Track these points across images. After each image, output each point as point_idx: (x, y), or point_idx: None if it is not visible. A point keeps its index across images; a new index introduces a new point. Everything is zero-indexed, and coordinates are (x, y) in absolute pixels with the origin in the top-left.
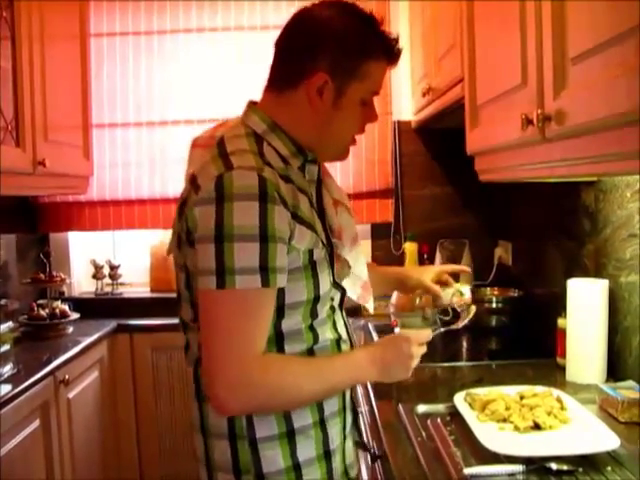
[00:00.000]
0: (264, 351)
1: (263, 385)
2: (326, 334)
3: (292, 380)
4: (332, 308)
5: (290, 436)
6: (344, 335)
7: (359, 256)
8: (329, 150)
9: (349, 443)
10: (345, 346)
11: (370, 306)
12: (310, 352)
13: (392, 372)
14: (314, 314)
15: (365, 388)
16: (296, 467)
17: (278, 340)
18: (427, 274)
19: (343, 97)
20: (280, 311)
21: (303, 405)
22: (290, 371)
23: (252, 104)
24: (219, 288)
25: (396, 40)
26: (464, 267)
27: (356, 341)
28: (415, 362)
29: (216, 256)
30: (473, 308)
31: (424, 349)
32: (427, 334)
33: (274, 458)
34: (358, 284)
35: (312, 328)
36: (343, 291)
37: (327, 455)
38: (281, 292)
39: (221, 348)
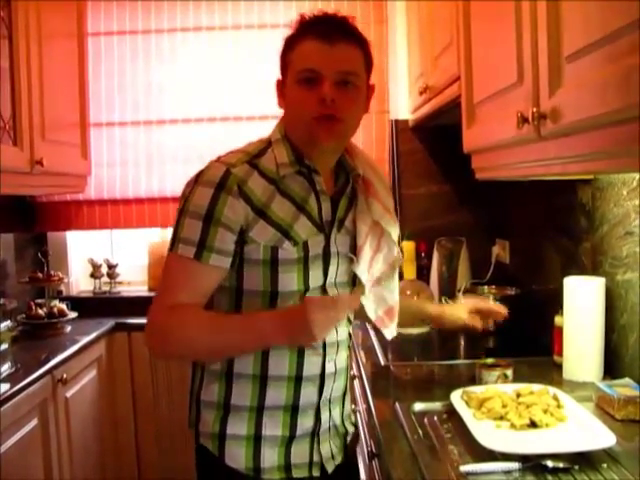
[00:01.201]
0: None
1: (166, 331)
2: None
3: (189, 333)
4: None
5: (225, 409)
6: (317, 344)
7: (392, 281)
8: (301, 138)
9: (301, 445)
10: (311, 351)
11: (388, 333)
12: None
13: (295, 336)
14: (272, 307)
15: (362, 386)
16: (221, 436)
17: None
18: (461, 311)
19: (285, 87)
20: (239, 293)
21: (207, 354)
22: (191, 322)
23: (282, 116)
24: (169, 250)
25: (315, 16)
26: (499, 308)
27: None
28: (316, 324)
29: (176, 225)
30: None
31: (330, 315)
32: (331, 298)
33: (208, 420)
34: (382, 307)
35: None
36: None
37: (257, 439)
38: (240, 277)
39: (154, 298)
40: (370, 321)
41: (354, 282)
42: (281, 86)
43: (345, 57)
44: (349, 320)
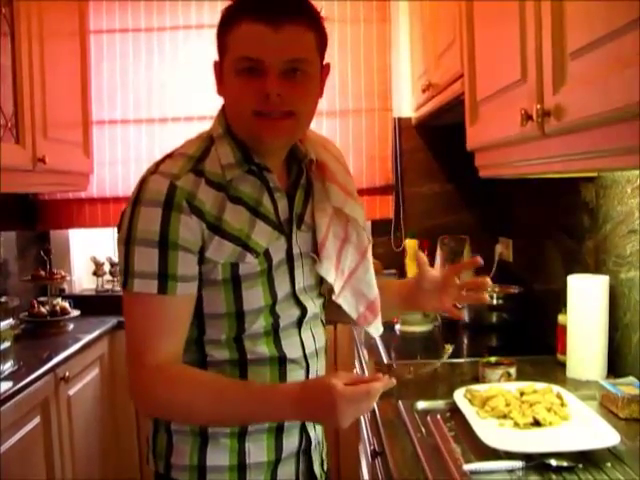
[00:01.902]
0: (166, 360)
1: (152, 398)
2: (259, 349)
3: (183, 399)
4: (276, 324)
5: (203, 437)
6: (294, 354)
7: (367, 272)
8: (242, 132)
9: (287, 467)
10: (293, 366)
11: (374, 330)
12: (238, 364)
13: (318, 420)
14: (240, 327)
15: None
16: (201, 469)
17: (199, 347)
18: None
19: (222, 72)
20: (200, 319)
21: (205, 423)
22: (183, 389)
23: (223, 106)
24: (123, 287)
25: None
26: (465, 263)
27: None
28: (346, 415)
29: (124, 257)
30: (449, 348)
31: (361, 407)
32: (366, 392)
33: (184, 451)
34: (362, 303)
35: (238, 340)
36: (304, 309)
37: (241, 468)
38: (199, 300)
39: (128, 350)
40: (349, 322)
41: (322, 282)
42: (218, 70)
43: (293, 43)
44: (323, 324)
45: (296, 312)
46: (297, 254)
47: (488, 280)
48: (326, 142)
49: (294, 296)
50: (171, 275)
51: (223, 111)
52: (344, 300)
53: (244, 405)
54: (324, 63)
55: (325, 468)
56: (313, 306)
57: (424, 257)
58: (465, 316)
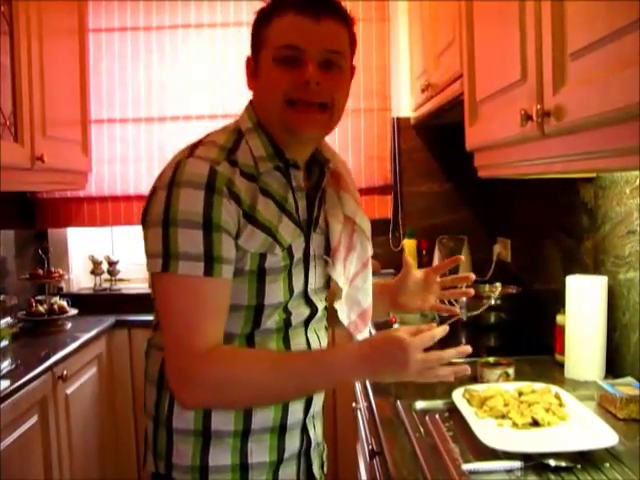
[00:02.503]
0: (215, 343)
1: (208, 381)
2: (268, 346)
3: (244, 375)
4: (287, 322)
5: (205, 436)
6: None
7: (365, 282)
8: (274, 125)
9: (289, 467)
10: None
11: (362, 337)
12: None
13: (384, 377)
14: (256, 323)
15: (363, 384)
16: (203, 469)
17: None
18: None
19: (258, 66)
20: None
21: (276, 400)
22: (242, 365)
23: (251, 101)
24: (164, 270)
25: None
26: (445, 262)
27: None
28: (415, 368)
29: (162, 239)
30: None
31: (428, 357)
32: (431, 337)
33: (185, 451)
34: (355, 310)
35: (250, 336)
36: (314, 309)
37: (243, 468)
38: None
39: (169, 338)
40: (338, 326)
41: (328, 286)
42: (252, 65)
43: (332, 34)
44: (326, 327)
45: (306, 311)
46: (312, 255)
47: (471, 275)
48: (335, 152)
49: (306, 295)
50: (217, 257)
51: (251, 105)
52: (340, 306)
53: (307, 370)
54: (352, 65)
55: (325, 470)
56: (322, 307)
57: (410, 260)
58: (463, 315)
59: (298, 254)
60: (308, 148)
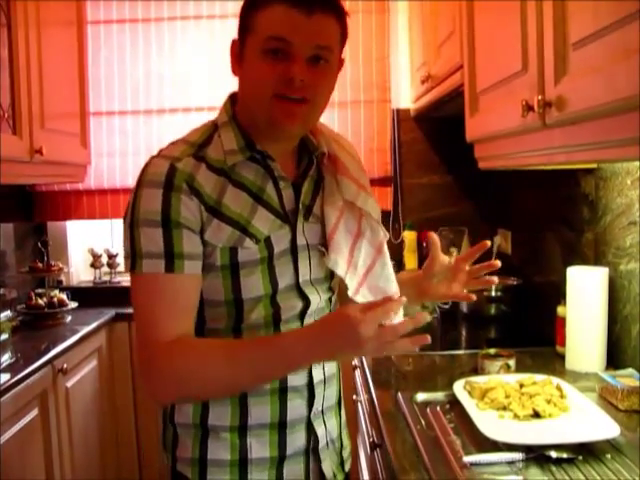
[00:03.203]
0: (178, 337)
1: (170, 373)
2: None
3: (197, 366)
4: (276, 315)
5: (203, 430)
6: None
7: (384, 268)
8: (258, 118)
9: (295, 465)
10: None
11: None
12: None
13: (341, 356)
14: (239, 316)
15: (364, 377)
16: (203, 463)
17: (200, 336)
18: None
19: (243, 52)
20: (201, 306)
21: (234, 390)
22: (200, 356)
23: (231, 94)
24: (132, 269)
25: None
26: (475, 248)
27: None
28: (370, 344)
29: (130, 240)
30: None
31: (382, 331)
32: (383, 311)
33: (187, 444)
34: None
35: (237, 330)
36: (306, 301)
37: (243, 463)
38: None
39: (139, 333)
40: None
41: (332, 276)
42: (238, 50)
43: (322, 30)
44: None
45: (299, 304)
46: (302, 245)
47: (497, 262)
48: (339, 137)
49: (297, 287)
50: (177, 253)
51: (231, 99)
52: (362, 298)
53: (260, 358)
54: (341, 57)
55: (346, 468)
56: (318, 299)
57: (437, 241)
58: (464, 307)
59: (282, 246)
60: (289, 141)
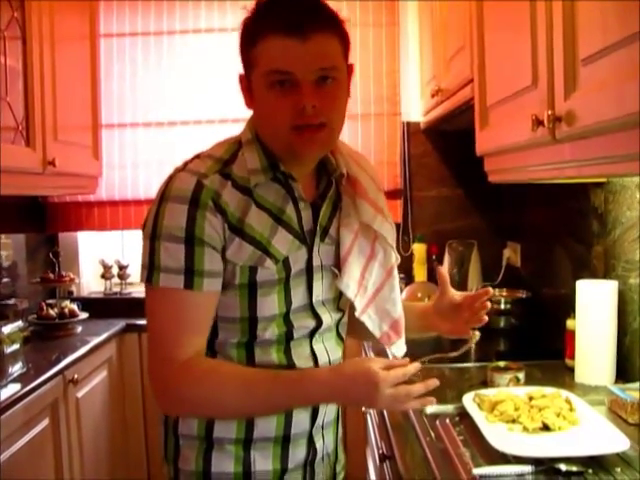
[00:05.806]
0: (194, 356)
1: (181, 395)
2: (269, 357)
3: (214, 394)
4: (289, 333)
5: (208, 443)
6: (304, 365)
7: (392, 291)
8: (278, 146)
9: (294, 477)
10: None
11: (396, 349)
12: None
13: (353, 405)
14: (252, 334)
15: None
16: (206, 475)
17: (211, 350)
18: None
19: (252, 88)
20: (214, 322)
21: (246, 416)
22: (218, 385)
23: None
24: (147, 281)
25: (283, 7)
26: (480, 293)
27: None
28: (384, 402)
29: (149, 252)
30: (477, 334)
31: (398, 392)
32: (403, 373)
33: (190, 456)
34: (386, 321)
35: (249, 346)
36: (320, 321)
37: (246, 476)
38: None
39: (151, 346)
40: (369, 339)
41: (340, 296)
42: (246, 84)
43: (320, 51)
44: (341, 339)
45: (311, 323)
46: (317, 266)
47: (490, 289)
48: (358, 156)
49: (311, 307)
50: (197, 271)
51: (252, 118)
52: (368, 318)
53: (278, 394)
54: (349, 63)
55: None
56: (329, 319)
57: (446, 276)
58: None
59: (298, 266)
60: (310, 163)
